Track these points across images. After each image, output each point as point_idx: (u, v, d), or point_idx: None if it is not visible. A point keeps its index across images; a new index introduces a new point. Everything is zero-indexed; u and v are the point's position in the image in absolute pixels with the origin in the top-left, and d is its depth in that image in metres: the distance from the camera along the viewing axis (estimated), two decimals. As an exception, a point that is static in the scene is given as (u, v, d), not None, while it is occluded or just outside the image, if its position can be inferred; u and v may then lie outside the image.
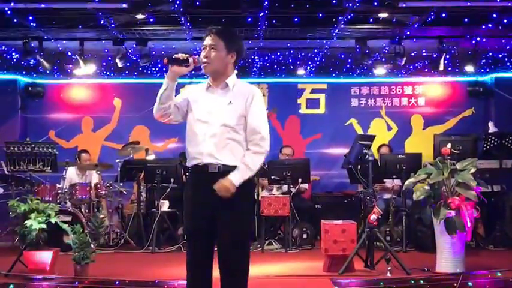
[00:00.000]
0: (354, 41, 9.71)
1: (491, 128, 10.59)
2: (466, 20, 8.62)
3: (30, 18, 8.39)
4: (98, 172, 10.23)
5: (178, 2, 7.85)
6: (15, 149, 8.84)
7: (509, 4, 7.92)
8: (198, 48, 9.61)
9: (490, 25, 8.70)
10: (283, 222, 9.40)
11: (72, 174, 10.08)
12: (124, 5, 7.95)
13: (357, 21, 8.81)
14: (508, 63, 11.18)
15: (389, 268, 6.79)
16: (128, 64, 10.47)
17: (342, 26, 8.84)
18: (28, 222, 6.91)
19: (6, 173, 9.22)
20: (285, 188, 9.64)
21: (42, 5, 7.86)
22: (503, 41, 9.76)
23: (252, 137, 4.03)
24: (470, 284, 6.02)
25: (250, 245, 9.07)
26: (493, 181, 9.00)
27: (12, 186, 9.57)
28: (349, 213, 9.36)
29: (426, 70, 11.42)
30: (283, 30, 9.37)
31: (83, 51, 9.77)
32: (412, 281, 6.49)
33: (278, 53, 10.73)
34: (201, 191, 4.00)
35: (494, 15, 8.36)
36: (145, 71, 11.49)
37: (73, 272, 6.82)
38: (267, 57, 10.97)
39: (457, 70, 11.49)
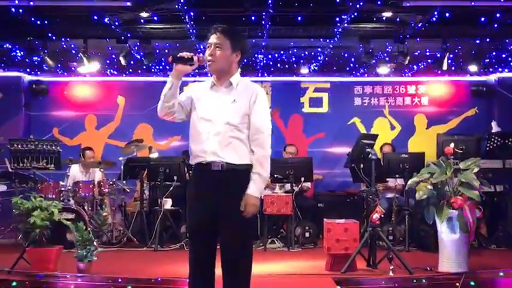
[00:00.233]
0: (358, 40, 9.71)
1: (494, 127, 10.59)
2: (469, 19, 8.61)
3: (35, 16, 8.40)
4: (101, 170, 10.25)
5: (182, 1, 7.86)
6: (19, 146, 8.86)
7: (513, 4, 7.93)
8: (202, 47, 9.63)
9: (494, 25, 8.69)
10: (285, 221, 9.41)
11: (75, 171, 10.09)
12: (128, 3, 7.96)
13: (360, 20, 8.82)
14: (512, 63, 11.19)
15: (392, 267, 6.78)
16: (132, 62, 10.49)
17: (346, 25, 8.84)
18: (31, 220, 6.92)
19: (10, 170, 9.25)
20: (287, 186, 9.65)
21: (47, 3, 7.88)
22: (507, 40, 9.75)
23: (255, 136, 4.03)
24: (472, 283, 6.00)
25: (253, 243, 9.12)
26: (496, 181, 8.98)
27: (15, 183, 9.58)
28: (351, 212, 9.37)
29: (429, 70, 11.41)
30: (286, 29, 9.38)
31: (87, 49, 9.78)
32: (415, 281, 6.48)
33: (281, 52, 10.73)
34: (204, 189, 4.01)
35: (498, 15, 8.35)
36: (149, 69, 11.50)
37: (76, 269, 6.83)
38: (270, 56, 10.98)
39: (460, 70, 11.49)
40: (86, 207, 9.37)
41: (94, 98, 12.44)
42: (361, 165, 7.97)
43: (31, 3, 7.82)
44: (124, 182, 10.03)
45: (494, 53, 10.45)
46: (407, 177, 8.38)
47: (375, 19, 8.85)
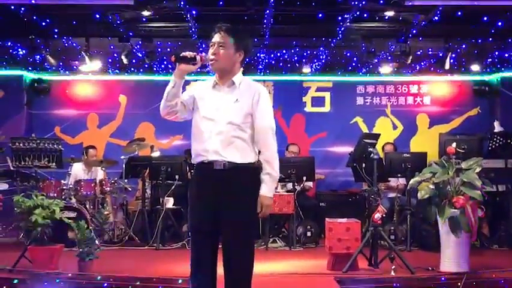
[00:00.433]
0: (360, 39, 9.70)
1: (497, 127, 10.56)
2: (472, 19, 8.60)
3: (37, 14, 8.40)
4: (103, 168, 10.25)
5: (184, -1, 7.87)
6: (21, 144, 8.86)
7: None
8: (203, 46, 9.63)
9: (497, 24, 8.68)
10: (287, 220, 9.40)
11: (78, 170, 10.09)
12: (130, 2, 7.96)
13: (362, 19, 8.82)
14: (514, 63, 11.18)
15: (393, 267, 6.77)
16: (134, 61, 10.50)
17: (348, 24, 8.83)
18: (33, 218, 6.92)
19: (12, 168, 9.25)
20: (289, 185, 9.64)
21: (49, 1, 7.88)
22: (510, 40, 9.73)
23: (261, 136, 4.03)
24: (474, 283, 6.00)
25: (255, 242, 9.10)
26: (498, 181, 8.96)
27: (17, 182, 9.59)
28: (353, 211, 9.34)
29: (432, 69, 11.41)
30: (288, 28, 9.37)
31: (89, 47, 9.79)
32: (416, 280, 6.48)
33: (283, 51, 10.73)
34: (206, 188, 4.00)
35: (501, 14, 8.34)
36: (150, 68, 11.50)
37: (77, 268, 6.83)
38: (272, 55, 10.98)
39: (462, 69, 11.47)
40: (87, 206, 9.37)
41: (96, 97, 12.44)
42: (363, 165, 7.96)
43: (33, 1, 7.82)
44: (126, 180, 10.03)
45: (496, 53, 10.45)
46: (409, 177, 8.37)
47: (377, 18, 8.85)
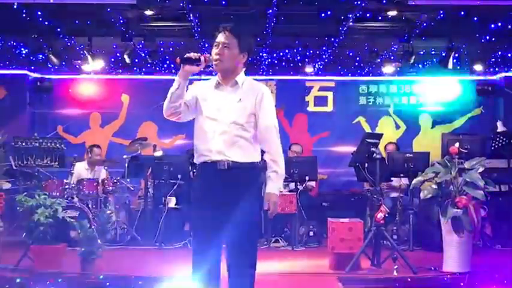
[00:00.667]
0: (363, 38, 9.69)
1: (500, 127, 10.55)
2: (475, 18, 8.59)
3: (39, 13, 8.40)
4: (106, 168, 10.26)
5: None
6: (23, 144, 8.87)
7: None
8: (206, 45, 9.62)
9: (499, 24, 8.66)
10: (289, 220, 9.40)
11: (80, 169, 10.08)
12: (133, 1, 7.96)
13: (366, 19, 8.80)
14: (517, 63, 11.16)
15: (396, 267, 6.77)
16: (136, 60, 10.49)
17: (351, 23, 8.82)
18: (35, 217, 6.92)
19: (14, 168, 9.24)
20: (292, 185, 9.64)
21: (51, 0, 7.88)
22: (513, 40, 9.73)
23: (265, 135, 4.03)
24: (477, 283, 6.00)
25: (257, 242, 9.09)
26: (501, 181, 8.96)
27: (19, 181, 9.58)
28: (356, 211, 9.35)
29: (435, 69, 11.38)
30: (291, 28, 9.36)
31: (92, 47, 9.79)
32: (419, 280, 6.48)
33: (286, 50, 10.72)
34: (209, 188, 3.98)
35: (504, 14, 8.33)
36: (153, 67, 11.50)
37: (80, 267, 6.83)
38: (275, 55, 10.97)
39: (466, 69, 11.46)
40: (90, 205, 9.37)
41: (98, 96, 12.45)
42: (366, 165, 7.96)
43: (36, 1, 7.82)
44: (128, 180, 10.02)
45: (500, 53, 10.43)
46: (411, 177, 8.37)
47: (380, 18, 8.83)
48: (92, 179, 9.60)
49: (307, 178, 9.45)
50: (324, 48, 10.39)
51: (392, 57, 10.76)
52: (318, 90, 12.51)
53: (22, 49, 10.28)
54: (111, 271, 6.74)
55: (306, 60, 11.26)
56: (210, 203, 3.96)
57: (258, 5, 8.28)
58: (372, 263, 7.30)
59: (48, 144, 8.94)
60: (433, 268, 7.06)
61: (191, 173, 9.41)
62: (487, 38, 9.43)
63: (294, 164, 9.42)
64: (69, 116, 12.35)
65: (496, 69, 11.68)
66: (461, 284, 5.96)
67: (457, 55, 9.94)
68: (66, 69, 11.74)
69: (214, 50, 4.03)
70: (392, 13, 8.55)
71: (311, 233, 9.29)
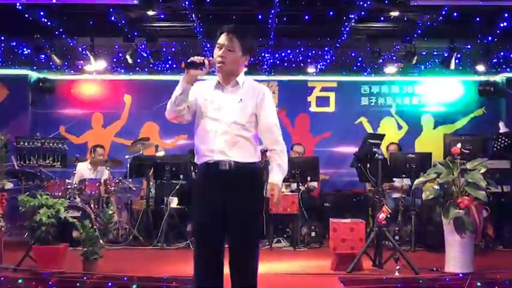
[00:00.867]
0: (365, 39, 9.68)
1: (502, 128, 10.53)
2: (477, 19, 8.58)
3: (42, 13, 8.41)
4: (108, 168, 10.27)
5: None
6: (26, 144, 8.89)
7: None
8: (208, 45, 9.62)
9: (501, 24, 8.65)
10: (291, 220, 9.39)
11: (83, 169, 10.10)
12: (135, 1, 7.96)
13: (367, 19, 8.80)
14: (520, 63, 11.15)
15: (398, 267, 6.76)
16: (138, 60, 10.49)
17: (353, 24, 8.82)
18: (37, 217, 6.93)
19: (17, 168, 9.26)
20: (294, 186, 9.64)
21: (54, 1, 7.89)
22: (515, 40, 9.72)
23: (268, 134, 4.04)
24: (479, 284, 5.99)
25: (259, 242, 9.09)
26: (503, 181, 8.95)
27: (22, 181, 9.60)
28: (358, 211, 9.36)
29: (437, 69, 11.38)
30: (293, 28, 9.36)
31: (94, 47, 9.79)
32: (421, 281, 6.47)
33: (288, 51, 10.72)
34: (211, 188, 3.98)
35: (506, 14, 8.32)
36: (155, 67, 11.50)
37: (82, 267, 6.84)
38: (277, 55, 10.97)
39: (468, 69, 11.45)
40: (92, 205, 9.38)
41: (101, 96, 12.47)
42: (368, 165, 7.96)
43: (38, 1, 7.83)
44: (130, 180, 10.03)
45: (502, 53, 10.42)
46: (414, 177, 8.36)
47: (382, 18, 8.83)
48: (94, 179, 9.60)
49: (309, 178, 9.47)
50: (326, 48, 10.39)
51: (394, 58, 10.76)
52: (320, 91, 12.51)
53: (24, 49, 10.29)
54: (113, 271, 6.74)
55: (308, 60, 11.26)
56: (212, 204, 3.96)
57: (260, 5, 8.27)
58: (373, 264, 7.29)
59: (51, 145, 8.96)
60: (435, 269, 7.05)
61: (193, 173, 9.41)
62: (489, 38, 9.42)
63: (296, 164, 9.42)
64: (72, 116, 12.36)
65: (498, 69, 11.67)
66: (464, 285, 5.95)
67: (459, 55, 9.93)
68: (68, 70, 11.77)
69: (217, 52, 4.01)
70: (394, 14, 8.55)
71: (313, 234, 9.29)
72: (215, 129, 3.97)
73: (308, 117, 12.46)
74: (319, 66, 11.56)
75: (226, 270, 3.98)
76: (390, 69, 11.19)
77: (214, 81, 4.09)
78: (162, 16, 8.72)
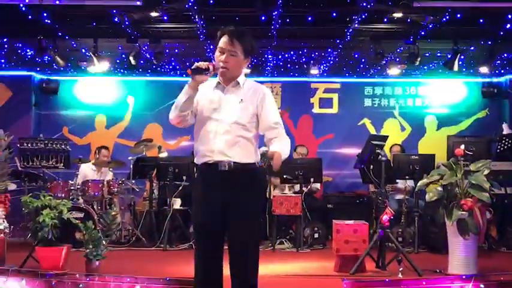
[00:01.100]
0: (368, 40, 9.68)
1: (506, 129, 10.51)
2: (481, 20, 8.57)
3: (45, 15, 8.42)
4: (111, 169, 10.28)
5: (192, 0, 7.85)
6: (29, 145, 8.91)
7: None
8: (211, 47, 9.62)
9: (506, 26, 8.64)
10: (294, 222, 9.39)
11: (87, 170, 10.11)
12: (138, 3, 7.97)
13: (371, 21, 8.79)
14: (524, 65, 11.13)
15: (401, 269, 6.75)
16: (142, 62, 10.49)
17: (356, 25, 8.81)
18: (40, 218, 6.93)
19: (20, 169, 9.27)
20: (297, 187, 9.64)
21: (57, 2, 7.89)
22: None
23: (272, 132, 4.04)
24: (482, 286, 5.97)
25: (262, 244, 9.11)
26: (507, 183, 8.94)
27: (25, 182, 9.62)
28: (361, 213, 9.35)
29: (440, 71, 11.37)
30: (296, 29, 9.35)
31: (97, 48, 9.80)
32: (424, 282, 6.45)
33: (291, 52, 10.71)
34: (211, 189, 3.98)
35: (510, 16, 8.30)
36: (158, 69, 11.51)
37: (85, 268, 6.84)
38: (280, 56, 10.96)
39: (471, 71, 11.43)
40: (95, 207, 9.39)
41: (104, 98, 12.47)
42: (371, 167, 7.95)
43: (42, 2, 7.83)
44: (133, 181, 10.05)
45: (505, 55, 10.40)
46: (417, 179, 8.36)
47: (385, 20, 8.81)
48: (97, 180, 9.61)
49: (312, 180, 9.46)
50: (329, 50, 10.37)
51: (397, 59, 10.75)
52: (323, 92, 12.51)
53: (28, 50, 10.31)
54: (116, 272, 6.74)
55: (311, 62, 11.26)
56: (213, 204, 3.96)
57: (263, 6, 8.27)
58: (376, 265, 7.29)
59: (54, 146, 8.97)
60: (438, 270, 7.05)
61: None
62: (493, 40, 9.40)
63: (299, 165, 9.42)
64: (75, 117, 12.38)
65: (502, 71, 11.66)
66: (467, 286, 5.94)
67: (462, 57, 9.91)
68: (71, 71, 11.78)
69: (219, 56, 4.00)
70: (397, 15, 8.53)
71: (316, 235, 9.28)
72: (215, 130, 3.98)
73: (311, 119, 12.47)
74: (322, 68, 11.56)
75: (227, 270, 3.98)
76: (393, 70, 11.19)
77: (215, 82, 4.09)
78: (166, 17, 8.71)
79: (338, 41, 9.72)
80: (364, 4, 7.95)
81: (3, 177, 7.58)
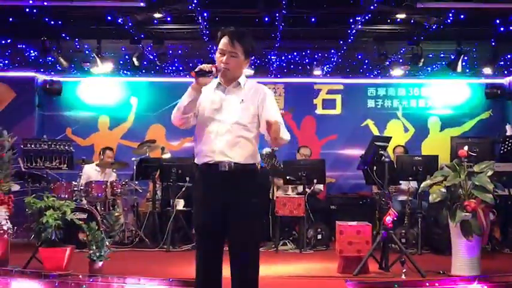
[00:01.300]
0: (372, 41, 9.67)
1: (509, 130, 10.51)
2: (484, 21, 8.56)
3: (48, 16, 8.43)
4: (114, 170, 10.29)
5: (195, 1, 7.86)
6: (32, 146, 8.92)
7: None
8: (215, 48, 9.61)
9: (509, 27, 8.63)
10: (297, 223, 9.38)
11: (90, 171, 10.11)
12: (141, 4, 7.97)
13: (374, 22, 8.79)
14: (527, 66, 11.11)
15: (404, 270, 6.75)
16: (145, 63, 10.50)
17: (360, 26, 8.81)
18: (44, 219, 6.94)
19: (23, 169, 9.29)
20: (300, 188, 9.64)
21: (60, 3, 7.91)
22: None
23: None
24: (485, 287, 5.96)
25: (265, 245, 9.11)
26: (510, 184, 8.91)
27: (28, 183, 9.63)
28: (364, 214, 9.34)
29: (444, 72, 11.36)
30: (300, 30, 9.35)
31: (100, 49, 9.81)
32: (427, 284, 6.45)
33: (295, 53, 10.71)
34: (212, 190, 4.00)
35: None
36: (162, 70, 11.52)
37: (88, 269, 6.85)
38: (283, 57, 10.96)
39: (474, 72, 11.42)
40: (98, 207, 9.39)
41: (107, 99, 12.48)
42: (374, 168, 7.94)
43: (45, 3, 7.84)
44: (136, 182, 10.05)
45: (509, 55, 10.38)
46: (420, 180, 8.34)
47: (389, 21, 8.81)
48: (101, 181, 9.62)
49: (315, 181, 9.46)
50: (332, 51, 10.37)
51: (401, 60, 10.74)
52: (326, 93, 12.50)
53: (31, 51, 10.33)
54: (119, 273, 6.74)
55: (315, 63, 11.25)
56: (213, 205, 3.98)
57: (266, 7, 8.27)
58: (380, 267, 7.28)
59: (57, 147, 8.98)
60: (441, 272, 7.04)
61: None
62: (496, 41, 9.39)
63: (302, 167, 9.42)
64: (78, 118, 12.39)
65: (505, 72, 11.64)
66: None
67: (466, 58, 9.91)
68: (75, 72, 11.79)
69: (220, 57, 4.02)
70: (401, 16, 8.53)
71: (319, 236, 9.27)
72: (216, 130, 3.99)
73: (314, 120, 12.45)
74: (325, 69, 11.56)
75: (226, 272, 3.99)
76: (397, 71, 11.18)
77: (215, 83, 4.10)
78: (169, 19, 8.72)
79: (341, 42, 9.72)
80: (368, 5, 7.95)
81: (7, 178, 7.59)
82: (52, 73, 12.02)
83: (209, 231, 4.00)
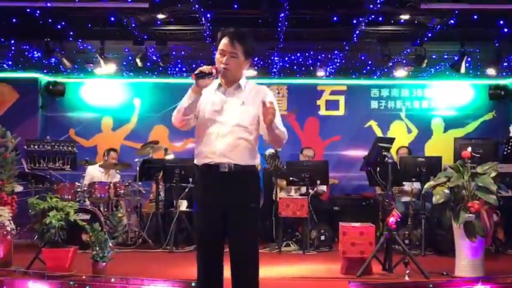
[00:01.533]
0: (375, 42, 9.66)
1: (513, 132, 10.50)
2: (488, 22, 8.55)
3: (52, 17, 8.44)
4: (117, 171, 10.30)
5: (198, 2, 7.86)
6: (36, 147, 8.93)
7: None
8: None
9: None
10: (301, 224, 9.38)
11: (94, 172, 10.13)
12: (145, 5, 7.98)
13: (378, 22, 8.78)
14: (531, 67, 11.09)
15: (408, 271, 6.74)
16: (148, 64, 10.51)
17: (363, 27, 8.80)
18: (47, 220, 6.95)
19: (26, 170, 9.30)
20: (303, 189, 9.62)
21: (64, 4, 7.91)
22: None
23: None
24: (489, 288, 5.96)
25: (268, 246, 9.11)
26: (514, 186, 8.92)
27: (31, 184, 9.64)
28: (367, 215, 9.34)
29: (447, 73, 11.35)
30: (303, 31, 9.35)
31: (104, 50, 9.82)
32: (431, 285, 6.43)
33: (298, 54, 10.70)
34: (212, 191, 4.00)
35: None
36: (165, 71, 11.52)
37: (91, 270, 6.85)
38: (286, 58, 10.96)
39: (478, 73, 11.40)
40: (101, 208, 9.40)
41: (110, 100, 12.48)
42: (378, 169, 7.93)
43: (48, 4, 7.85)
44: (139, 183, 10.05)
45: (512, 57, 10.38)
46: (424, 181, 8.34)
47: (392, 22, 8.81)
48: (104, 182, 9.63)
49: (318, 182, 9.44)
50: (335, 52, 10.37)
51: (404, 61, 10.73)
52: (330, 94, 12.49)
53: (34, 52, 10.33)
54: (122, 274, 6.75)
55: (318, 64, 11.25)
56: (213, 206, 3.98)
57: (269, 8, 8.27)
58: (383, 268, 7.27)
59: (60, 148, 8.99)
60: (445, 273, 7.03)
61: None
62: (500, 41, 9.38)
63: (306, 168, 9.42)
64: (81, 119, 12.39)
65: (509, 73, 11.62)
66: (474, 289, 5.92)
67: (469, 59, 9.89)
68: (78, 73, 11.81)
69: (220, 58, 4.02)
70: (404, 17, 8.53)
71: (322, 237, 9.26)
72: (217, 132, 3.99)
73: (317, 121, 12.44)
74: (328, 70, 11.55)
75: (227, 273, 3.99)
76: (400, 72, 11.17)
77: (216, 84, 4.10)
78: (172, 20, 8.72)
79: (345, 43, 9.71)
80: (371, 6, 7.94)
81: (10, 179, 7.61)
82: (55, 74, 12.02)
83: (209, 232, 4.00)
